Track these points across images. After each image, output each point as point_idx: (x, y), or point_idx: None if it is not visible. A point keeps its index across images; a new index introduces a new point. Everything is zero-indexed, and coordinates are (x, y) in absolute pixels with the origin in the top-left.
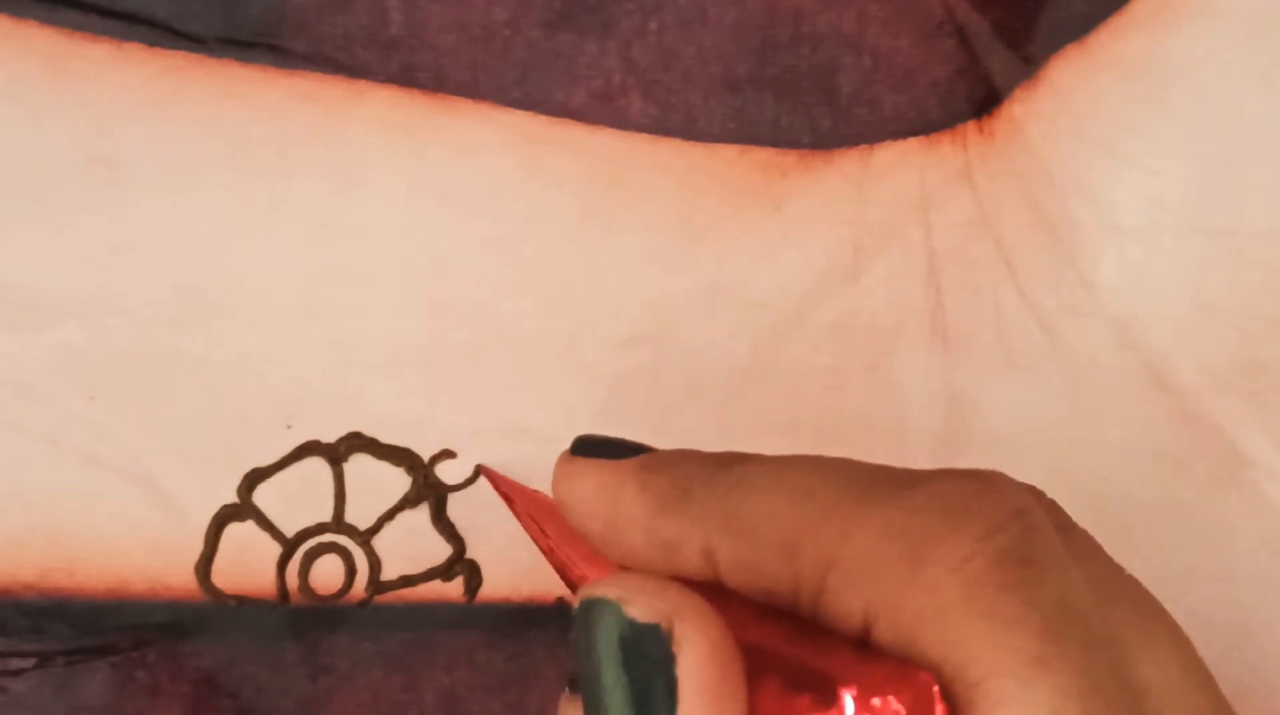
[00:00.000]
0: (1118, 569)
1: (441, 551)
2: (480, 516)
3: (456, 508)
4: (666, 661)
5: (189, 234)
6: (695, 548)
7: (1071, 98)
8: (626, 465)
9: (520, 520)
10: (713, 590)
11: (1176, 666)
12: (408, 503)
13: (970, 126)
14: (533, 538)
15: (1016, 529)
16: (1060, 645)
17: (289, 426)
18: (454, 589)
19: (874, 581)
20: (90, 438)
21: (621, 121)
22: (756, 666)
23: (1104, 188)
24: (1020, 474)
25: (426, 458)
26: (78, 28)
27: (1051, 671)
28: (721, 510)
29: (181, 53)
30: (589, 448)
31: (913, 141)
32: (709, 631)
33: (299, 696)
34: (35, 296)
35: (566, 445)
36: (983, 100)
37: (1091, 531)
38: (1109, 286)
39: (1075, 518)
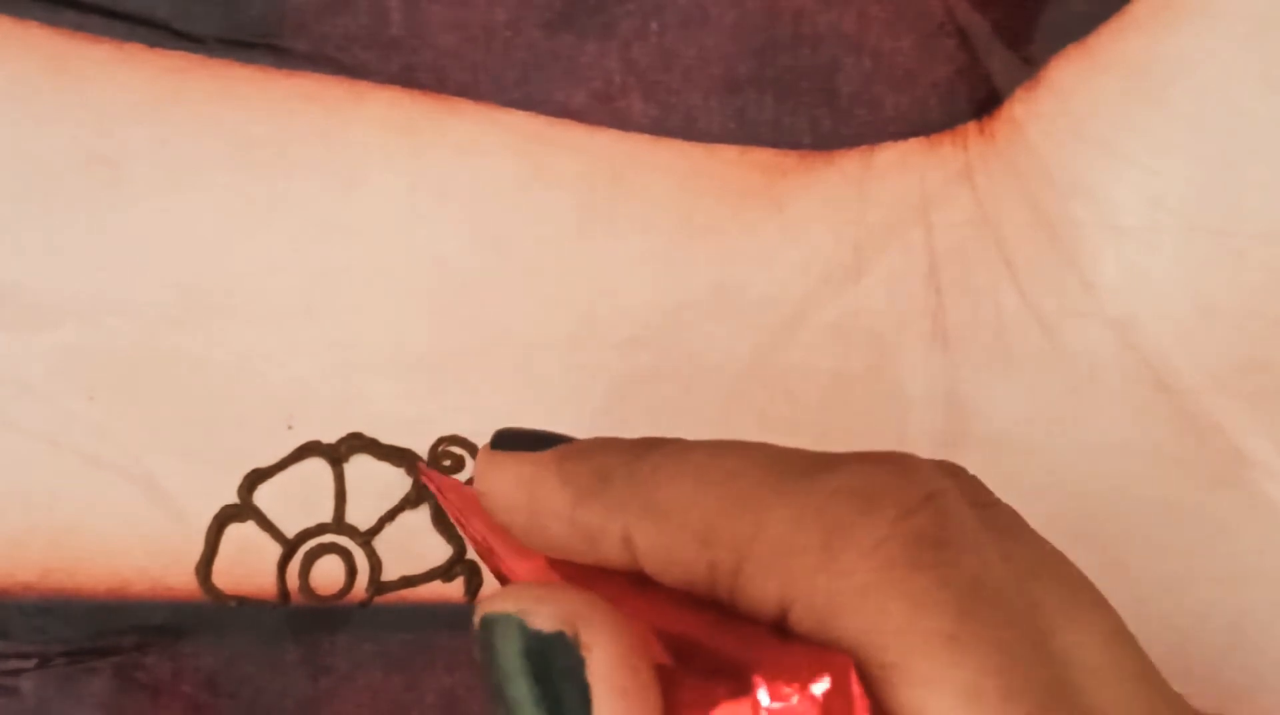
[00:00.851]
0: (1041, 543)
1: (442, 552)
2: None
3: None
4: (576, 668)
5: (189, 234)
6: (615, 536)
7: (1072, 98)
8: (546, 456)
9: (450, 514)
10: (633, 579)
11: (1101, 636)
12: (408, 503)
13: (971, 127)
14: (462, 531)
15: (930, 511)
16: (976, 623)
17: (289, 427)
18: (454, 589)
19: (789, 567)
20: (91, 438)
21: (622, 122)
22: (677, 656)
23: (1104, 188)
24: (1020, 474)
25: (427, 456)
26: (78, 28)
27: (967, 649)
28: (638, 497)
29: (182, 53)
30: (509, 441)
31: (913, 142)
32: (616, 633)
33: (299, 697)
34: (35, 296)
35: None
36: (983, 101)
37: (1091, 532)
38: (1109, 287)
39: (1075, 517)
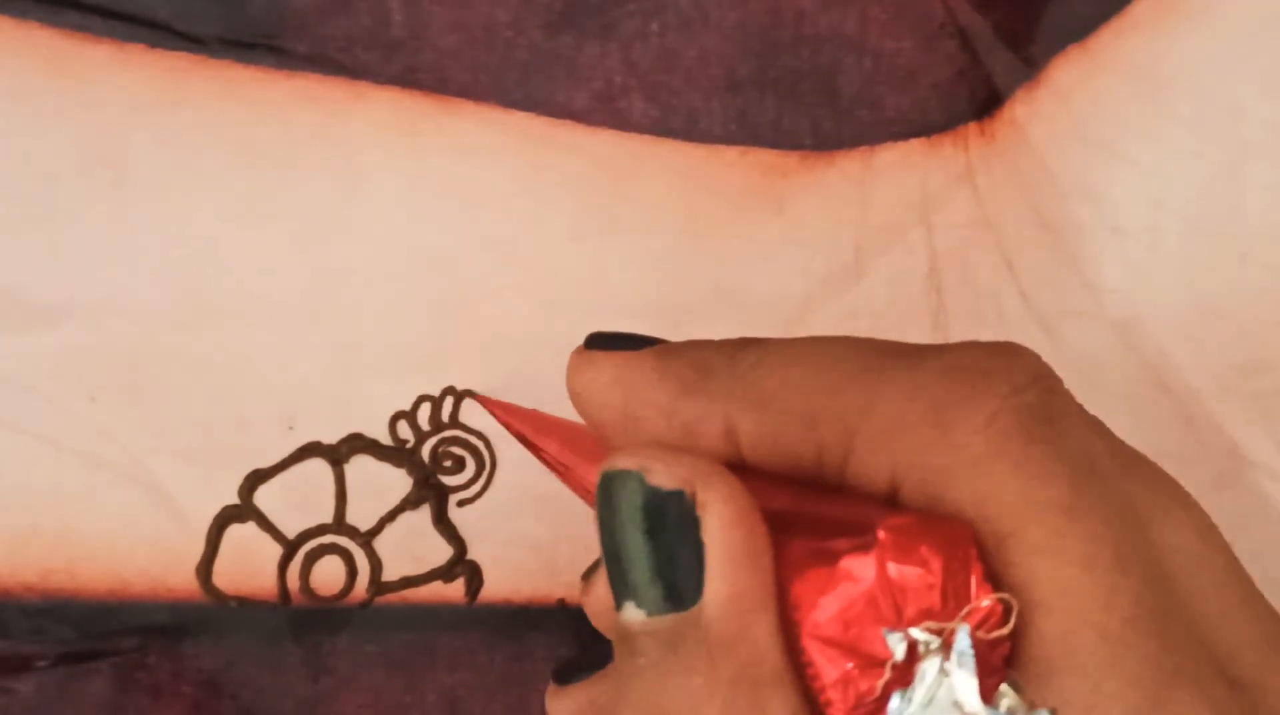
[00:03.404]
0: (1130, 446)
1: (443, 552)
2: (482, 518)
3: (457, 509)
4: (691, 526)
5: (191, 235)
6: (716, 426)
7: (1073, 99)
8: (643, 353)
9: (520, 440)
10: (735, 468)
11: (1194, 531)
12: (409, 504)
13: (972, 128)
14: (534, 453)
15: (1039, 389)
16: (1089, 496)
17: (290, 427)
18: (455, 590)
19: (900, 444)
20: (92, 439)
21: (623, 123)
22: (785, 529)
23: (1105, 189)
24: None
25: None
26: (79, 29)
27: (1082, 520)
28: (742, 387)
29: (183, 54)
30: (603, 342)
31: (914, 143)
32: (732, 495)
33: (300, 698)
34: (37, 297)
35: None
36: (984, 102)
37: None
38: (1110, 288)
39: None
